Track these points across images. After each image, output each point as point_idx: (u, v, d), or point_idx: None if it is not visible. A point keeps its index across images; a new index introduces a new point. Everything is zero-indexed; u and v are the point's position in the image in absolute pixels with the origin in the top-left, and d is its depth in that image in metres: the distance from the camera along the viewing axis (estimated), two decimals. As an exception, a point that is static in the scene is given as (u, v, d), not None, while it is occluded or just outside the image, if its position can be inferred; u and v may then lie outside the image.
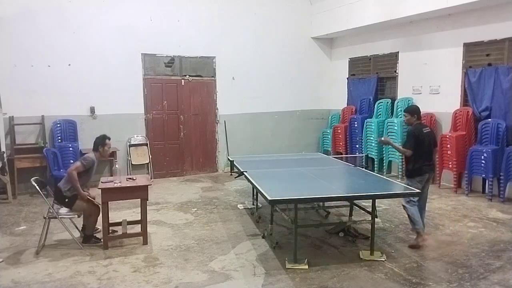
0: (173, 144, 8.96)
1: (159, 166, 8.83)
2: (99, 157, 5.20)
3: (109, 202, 4.89)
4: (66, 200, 4.91)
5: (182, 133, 8.97)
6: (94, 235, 5.11)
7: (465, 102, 7.32)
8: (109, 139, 5.21)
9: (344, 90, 10.05)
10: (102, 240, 4.90)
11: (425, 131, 4.98)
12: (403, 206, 4.85)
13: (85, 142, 7.97)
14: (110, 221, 5.10)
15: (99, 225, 5.07)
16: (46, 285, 3.96)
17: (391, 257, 4.48)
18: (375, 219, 4.62)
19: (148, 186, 4.97)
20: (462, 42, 7.25)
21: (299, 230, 4.50)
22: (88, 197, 5.03)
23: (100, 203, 4.92)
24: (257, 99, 9.64)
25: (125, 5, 8.23)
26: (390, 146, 7.29)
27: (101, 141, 5.14)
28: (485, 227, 5.41)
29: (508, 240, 4.95)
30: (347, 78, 9.99)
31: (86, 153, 5.36)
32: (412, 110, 5.15)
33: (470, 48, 7.20)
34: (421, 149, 4.84)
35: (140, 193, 4.91)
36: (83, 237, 5.07)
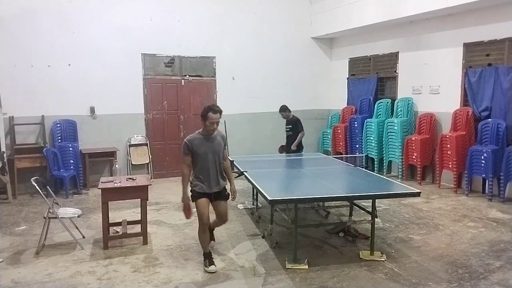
0: (173, 144, 8.95)
1: (159, 166, 8.83)
2: (204, 133, 4.26)
3: (109, 202, 4.88)
4: (191, 193, 4.34)
5: (182, 133, 8.96)
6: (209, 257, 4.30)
7: (465, 102, 7.32)
8: (215, 112, 4.14)
9: (344, 90, 10.05)
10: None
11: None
12: None
13: (85, 142, 8.00)
14: (110, 221, 5.12)
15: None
16: (46, 285, 3.96)
17: (391, 257, 4.48)
18: (375, 219, 4.63)
19: (148, 186, 4.96)
20: (462, 42, 7.25)
21: (299, 230, 4.50)
22: (189, 205, 4.28)
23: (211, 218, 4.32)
24: (257, 99, 9.64)
25: (125, 5, 8.24)
26: (389, 146, 7.79)
27: (203, 114, 4.19)
28: (485, 227, 5.41)
29: (508, 240, 4.95)
30: (347, 78, 9.98)
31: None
32: (285, 108, 7.50)
33: (470, 48, 7.19)
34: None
35: (140, 193, 4.90)
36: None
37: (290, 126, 7.48)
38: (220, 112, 4.20)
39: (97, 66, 8.07)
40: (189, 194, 4.29)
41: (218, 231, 5.41)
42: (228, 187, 4.46)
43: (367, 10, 8.33)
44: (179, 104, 8.94)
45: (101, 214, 4.90)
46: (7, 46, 7.40)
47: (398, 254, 4.59)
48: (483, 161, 6.60)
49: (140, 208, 5.04)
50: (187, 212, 4.33)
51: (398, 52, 8.59)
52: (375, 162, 8.64)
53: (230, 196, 4.44)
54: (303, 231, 5.18)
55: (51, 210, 4.79)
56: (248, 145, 9.51)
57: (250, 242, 4.99)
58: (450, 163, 7.12)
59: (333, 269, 4.20)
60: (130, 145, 8.49)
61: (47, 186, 5.34)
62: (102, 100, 8.13)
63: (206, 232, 4.34)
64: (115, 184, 4.88)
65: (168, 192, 7.56)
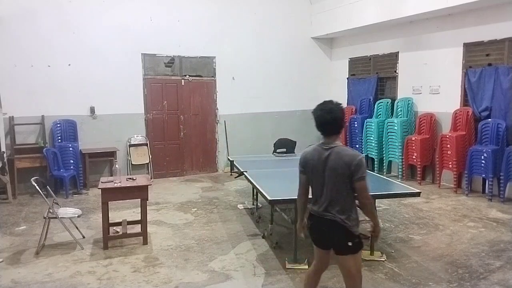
0: (173, 144, 8.96)
1: (159, 166, 8.82)
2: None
3: (109, 202, 4.88)
4: (350, 243, 2.90)
5: (182, 133, 8.97)
6: None
7: (465, 102, 7.32)
8: None
9: (344, 90, 10.05)
10: None
11: None
12: None
13: (85, 142, 8.00)
14: (110, 221, 5.12)
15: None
16: (46, 285, 3.96)
17: (391, 257, 4.48)
18: (375, 219, 4.62)
19: (148, 186, 4.96)
20: (462, 42, 7.25)
21: (299, 230, 4.50)
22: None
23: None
24: (257, 99, 9.64)
25: (125, 5, 8.23)
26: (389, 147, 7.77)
27: (342, 113, 3.00)
28: (485, 227, 5.41)
29: (508, 240, 4.95)
30: (347, 78, 9.99)
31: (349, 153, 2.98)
32: None
33: (470, 48, 7.19)
34: None
35: (140, 193, 4.90)
36: None
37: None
38: None
39: (97, 66, 8.06)
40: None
41: (218, 231, 5.42)
42: None
43: (367, 10, 8.33)
44: (179, 104, 8.93)
45: (101, 214, 4.90)
46: (7, 46, 7.39)
47: (398, 254, 4.59)
48: (483, 161, 6.60)
49: (140, 208, 5.04)
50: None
51: (398, 52, 8.59)
52: (375, 162, 8.64)
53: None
54: (303, 231, 5.18)
55: (51, 210, 4.79)
56: (248, 145, 9.50)
57: (250, 242, 4.99)
58: (450, 163, 7.12)
59: (333, 269, 4.18)
60: (130, 145, 8.49)
61: (47, 186, 5.34)
62: (102, 100, 8.13)
63: None
64: (115, 184, 4.88)
65: (168, 192, 7.56)
